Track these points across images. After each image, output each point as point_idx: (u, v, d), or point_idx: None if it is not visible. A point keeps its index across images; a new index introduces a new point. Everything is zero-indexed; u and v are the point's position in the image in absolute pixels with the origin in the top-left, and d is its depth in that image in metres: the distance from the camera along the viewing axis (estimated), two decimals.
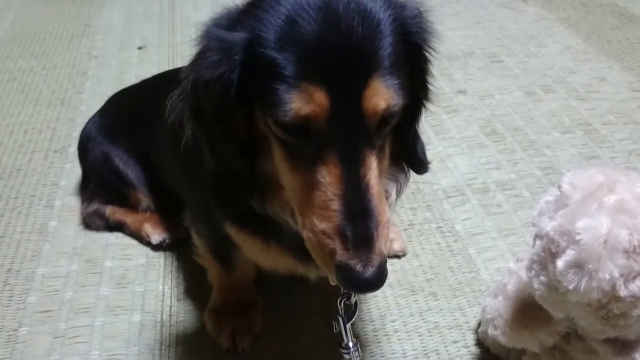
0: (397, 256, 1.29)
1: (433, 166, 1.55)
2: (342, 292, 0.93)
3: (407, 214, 1.42)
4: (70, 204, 1.45)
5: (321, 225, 0.71)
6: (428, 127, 1.72)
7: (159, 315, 1.18)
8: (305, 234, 0.74)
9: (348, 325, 0.92)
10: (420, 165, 0.93)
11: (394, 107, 0.71)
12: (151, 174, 1.30)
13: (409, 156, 0.90)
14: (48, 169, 1.57)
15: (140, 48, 2.17)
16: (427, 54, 0.80)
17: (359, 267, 0.69)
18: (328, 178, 0.70)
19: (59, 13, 2.46)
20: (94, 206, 1.35)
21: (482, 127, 1.72)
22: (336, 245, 0.70)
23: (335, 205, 0.70)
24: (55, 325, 1.16)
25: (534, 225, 0.97)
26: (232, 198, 0.83)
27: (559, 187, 0.94)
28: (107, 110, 1.38)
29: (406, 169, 0.92)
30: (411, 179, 1.51)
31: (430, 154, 1.59)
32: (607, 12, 2.40)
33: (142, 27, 2.34)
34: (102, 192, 1.34)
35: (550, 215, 0.92)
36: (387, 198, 0.86)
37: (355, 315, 0.94)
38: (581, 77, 1.96)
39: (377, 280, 0.70)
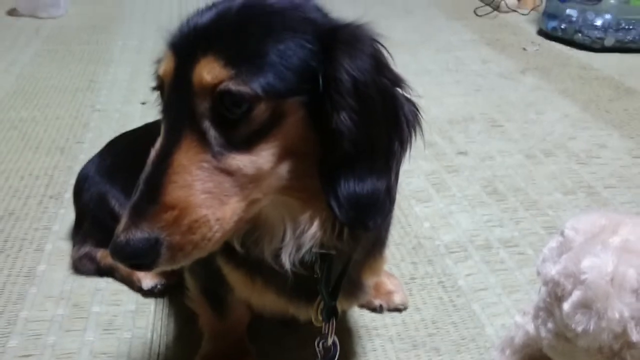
0: (398, 309, 1.24)
1: (434, 222, 1.55)
2: (321, 332, 0.89)
3: (408, 268, 1.38)
4: (62, 249, 1.41)
5: None
6: (429, 184, 1.71)
7: None
8: None
9: None
10: (343, 211, 0.76)
11: (229, 89, 0.69)
12: None
13: (326, 193, 0.77)
14: (42, 213, 1.54)
15: (143, 103, 2.19)
16: (331, 80, 0.73)
17: (117, 230, 0.69)
18: (155, 147, 0.73)
19: (65, 69, 2.50)
20: (86, 249, 1.31)
21: (484, 187, 1.71)
22: (126, 209, 0.71)
23: (144, 172, 0.72)
24: None
25: (538, 274, 0.94)
26: None
27: (562, 232, 0.92)
28: (106, 152, 1.37)
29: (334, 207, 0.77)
30: (412, 234, 1.51)
31: (431, 211, 1.60)
32: (603, 85, 2.44)
33: (146, 85, 2.35)
34: (95, 234, 1.30)
35: (554, 260, 0.90)
36: (293, 228, 0.80)
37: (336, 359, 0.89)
38: (581, 143, 1.97)
39: (126, 251, 0.67)
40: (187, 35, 0.75)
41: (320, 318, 0.91)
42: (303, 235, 0.80)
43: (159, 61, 0.79)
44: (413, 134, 0.81)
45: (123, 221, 0.70)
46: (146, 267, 0.70)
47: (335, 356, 0.91)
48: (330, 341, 0.91)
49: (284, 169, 0.75)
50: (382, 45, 0.79)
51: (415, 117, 0.81)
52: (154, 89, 0.80)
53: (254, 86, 0.70)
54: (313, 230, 0.80)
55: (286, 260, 0.81)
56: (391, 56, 0.80)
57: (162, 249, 0.68)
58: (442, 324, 1.21)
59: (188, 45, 0.73)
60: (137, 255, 0.68)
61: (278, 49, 0.72)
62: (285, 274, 0.83)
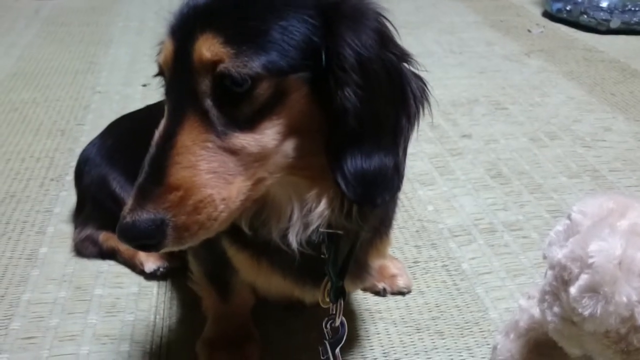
0: (402, 293, 1.24)
1: (438, 206, 1.54)
2: (327, 314, 0.89)
3: (411, 252, 1.37)
4: (63, 231, 1.40)
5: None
6: (433, 168, 1.70)
7: (148, 346, 1.11)
8: None
9: (337, 351, 0.87)
10: (350, 188, 0.75)
11: (229, 72, 0.68)
12: None
13: (333, 170, 0.76)
14: (43, 196, 1.53)
15: (144, 85, 2.17)
16: (334, 56, 0.72)
17: (124, 212, 0.69)
18: (159, 128, 0.73)
19: (66, 51, 2.48)
20: (87, 231, 1.30)
21: (488, 170, 1.70)
22: (133, 191, 0.72)
23: (149, 153, 0.72)
24: (37, 353, 1.09)
25: (544, 257, 0.93)
26: None
27: (569, 215, 0.91)
28: (108, 133, 1.36)
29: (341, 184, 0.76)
30: (416, 218, 1.50)
31: (434, 194, 1.58)
32: (609, 67, 2.42)
33: (147, 67, 2.35)
34: (97, 217, 1.29)
35: (561, 244, 0.89)
36: (301, 207, 0.80)
37: (343, 340, 0.89)
38: (586, 126, 1.96)
39: (132, 232, 0.68)
40: (186, 15, 0.74)
41: (328, 299, 0.90)
42: (310, 214, 0.79)
43: (161, 43, 0.78)
44: (421, 110, 0.80)
45: (129, 202, 0.70)
46: (153, 247, 0.70)
47: (343, 336, 0.91)
48: (338, 321, 0.91)
49: (289, 147, 0.74)
50: (387, 20, 0.77)
51: (423, 92, 0.80)
52: (156, 75, 0.79)
53: (255, 65, 0.69)
54: (320, 208, 0.79)
55: (293, 240, 0.80)
56: (396, 31, 0.78)
57: (168, 230, 0.68)
58: (446, 308, 1.21)
59: (187, 25, 0.73)
60: (143, 236, 0.68)
61: (279, 24, 0.71)
62: (291, 255, 0.83)
